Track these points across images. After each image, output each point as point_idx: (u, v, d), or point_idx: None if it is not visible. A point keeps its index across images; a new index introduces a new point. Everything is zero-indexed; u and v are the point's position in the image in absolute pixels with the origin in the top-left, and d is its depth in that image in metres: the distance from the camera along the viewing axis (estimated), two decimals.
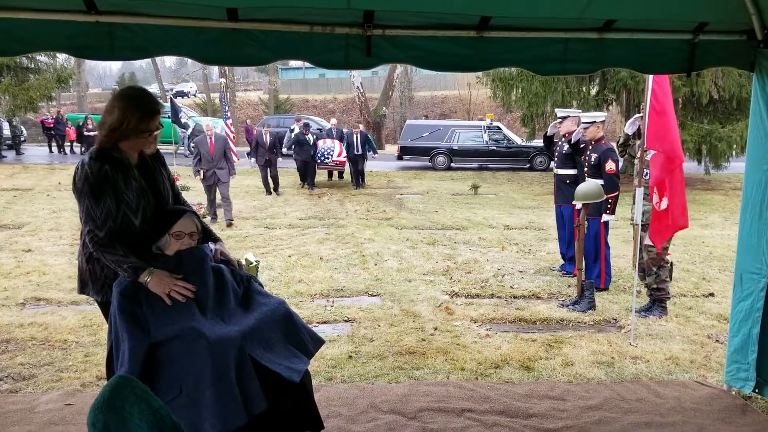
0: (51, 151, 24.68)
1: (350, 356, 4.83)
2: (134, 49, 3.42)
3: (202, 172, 11.10)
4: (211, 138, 11.05)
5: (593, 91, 17.34)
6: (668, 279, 5.99)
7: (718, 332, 5.48)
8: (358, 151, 16.28)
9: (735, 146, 14.97)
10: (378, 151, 19.15)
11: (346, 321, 5.76)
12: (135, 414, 2.02)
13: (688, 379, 4.50)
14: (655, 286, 5.93)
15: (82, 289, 3.19)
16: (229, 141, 13.89)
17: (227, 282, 3.08)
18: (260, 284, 3.36)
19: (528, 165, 20.89)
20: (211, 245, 3.22)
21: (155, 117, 2.98)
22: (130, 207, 2.94)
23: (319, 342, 3.21)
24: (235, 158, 18.78)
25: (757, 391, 4.02)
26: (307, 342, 3.14)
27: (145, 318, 2.82)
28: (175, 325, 2.79)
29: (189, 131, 21.63)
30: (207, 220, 10.81)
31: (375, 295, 6.66)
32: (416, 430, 3.63)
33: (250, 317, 3.01)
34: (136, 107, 2.90)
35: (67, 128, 24.12)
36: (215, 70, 45.55)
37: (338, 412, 3.84)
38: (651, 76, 4.98)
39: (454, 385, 4.29)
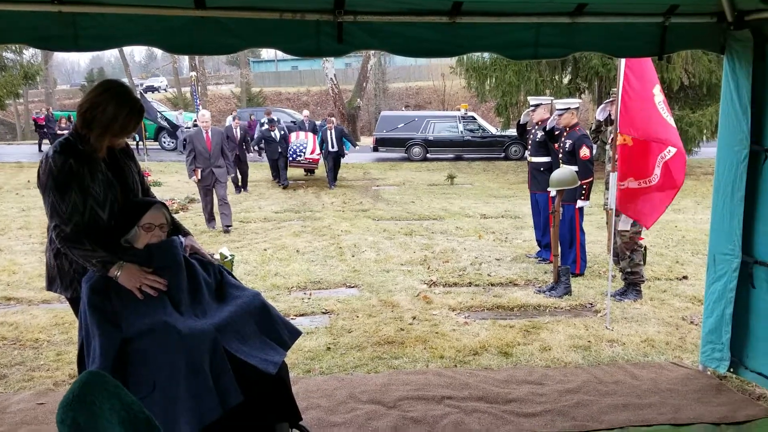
0: (40, 150, 23.71)
1: (328, 348, 4.80)
2: (99, 39, 3.33)
3: (198, 171, 9.52)
4: (207, 132, 9.56)
5: (566, 80, 17.44)
6: (642, 263, 6.05)
7: (692, 314, 5.54)
8: (333, 147, 14.89)
9: (705, 131, 15.17)
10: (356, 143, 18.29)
11: (323, 313, 5.72)
12: (106, 410, 1.96)
13: (664, 360, 4.54)
14: (629, 270, 5.98)
15: (50, 285, 3.12)
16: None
17: (199, 275, 3.02)
18: (233, 277, 3.31)
19: (503, 154, 20.98)
20: (181, 238, 3.16)
21: (141, 115, 2.92)
22: (97, 201, 2.86)
23: (295, 333, 3.18)
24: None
25: (731, 370, 4.07)
26: (283, 333, 3.11)
27: (116, 313, 2.75)
28: (146, 319, 2.73)
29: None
30: (203, 227, 9.91)
31: (353, 287, 6.63)
32: (396, 419, 3.61)
33: (224, 310, 2.97)
34: (126, 104, 2.82)
35: (56, 126, 23.29)
36: (185, 64, 45.02)
37: (317, 403, 3.81)
38: (623, 61, 5.00)
39: (434, 373, 4.28)
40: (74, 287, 3.01)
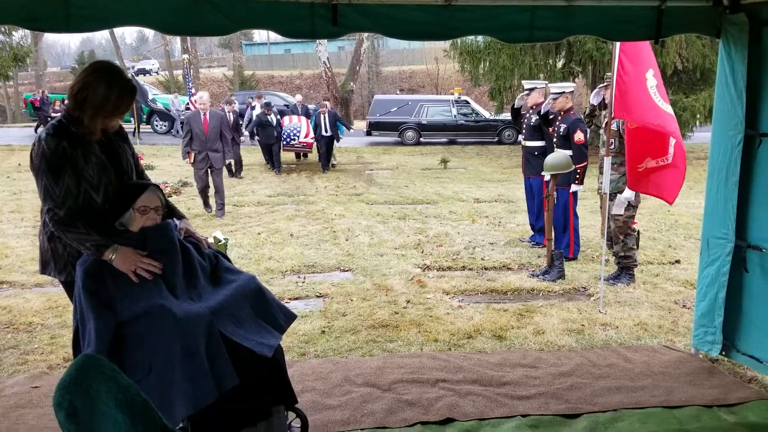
0: (36, 132, 23.41)
1: (323, 331, 4.81)
2: (91, 19, 3.28)
3: (192, 154, 9.33)
4: (205, 114, 9.30)
5: (560, 64, 17.38)
6: (635, 247, 6.08)
7: (684, 298, 5.58)
8: (326, 131, 14.82)
9: (699, 116, 15.18)
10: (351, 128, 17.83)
11: (318, 296, 5.73)
12: (103, 393, 1.96)
13: (657, 344, 4.58)
14: (622, 254, 6.01)
15: (44, 269, 3.10)
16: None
17: (194, 258, 3.01)
18: (228, 260, 3.30)
19: (496, 138, 20.94)
20: (176, 221, 3.15)
21: (133, 95, 2.89)
22: (91, 184, 2.84)
23: (291, 317, 3.18)
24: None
25: (723, 353, 4.11)
26: (278, 317, 3.10)
27: (110, 296, 2.74)
28: (142, 302, 2.72)
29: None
30: (196, 211, 9.78)
31: (347, 270, 6.63)
32: (391, 402, 3.63)
33: (219, 293, 2.96)
34: (117, 83, 2.79)
35: (50, 108, 22.85)
36: (177, 47, 44.63)
37: (312, 386, 3.82)
38: (618, 45, 4.98)
39: (428, 356, 4.30)
40: (68, 271, 2.99)
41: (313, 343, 4.58)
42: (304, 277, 6.39)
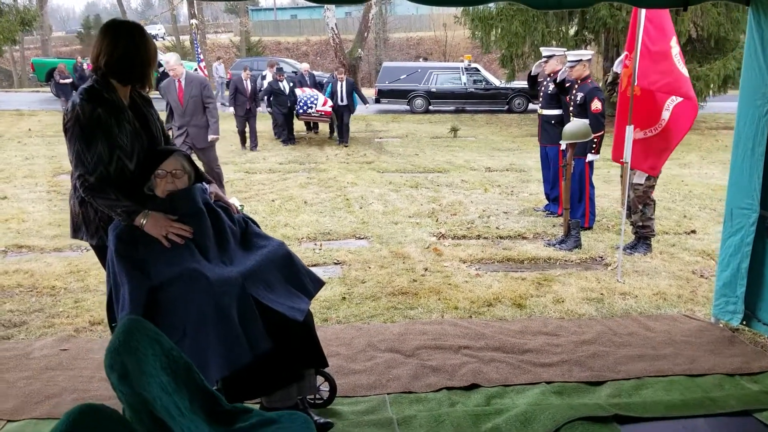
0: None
1: (344, 297, 4.85)
2: None
3: (172, 131, 7.68)
4: (179, 81, 7.62)
5: (572, 31, 17.16)
6: (653, 217, 6.07)
7: (702, 268, 5.59)
8: (342, 101, 13.93)
9: (713, 85, 15.00)
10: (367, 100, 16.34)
11: (335, 264, 5.76)
12: (149, 356, 2.00)
13: (677, 313, 4.60)
14: (640, 223, 6.00)
15: (75, 233, 3.11)
16: (209, 85, 12.86)
17: (225, 223, 3.02)
18: (258, 226, 3.32)
19: (506, 107, 20.77)
20: (205, 185, 3.15)
21: (156, 52, 2.88)
22: (124, 151, 2.84)
23: (319, 283, 3.20)
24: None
25: (744, 323, 4.13)
26: (307, 283, 3.13)
27: (143, 261, 2.76)
28: (174, 267, 2.74)
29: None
30: None
31: (362, 238, 6.65)
32: (416, 368, 3.67)
33: (250, 258, 2.98)
34: (148, 40, 2.79)
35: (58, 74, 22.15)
36: (183, 12, 44.16)
37: (337, 351, 3.86)
38: (643, 13, 4.91)
39: (449, 323, 4.33)
40: (99, 235, 3.01)
41: (334, 309, 4.62)
42: (321, 245, 6.41)
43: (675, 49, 5.04)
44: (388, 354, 3.86)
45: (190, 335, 2.67)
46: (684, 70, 4.97)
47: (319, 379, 3.25)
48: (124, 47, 2.76)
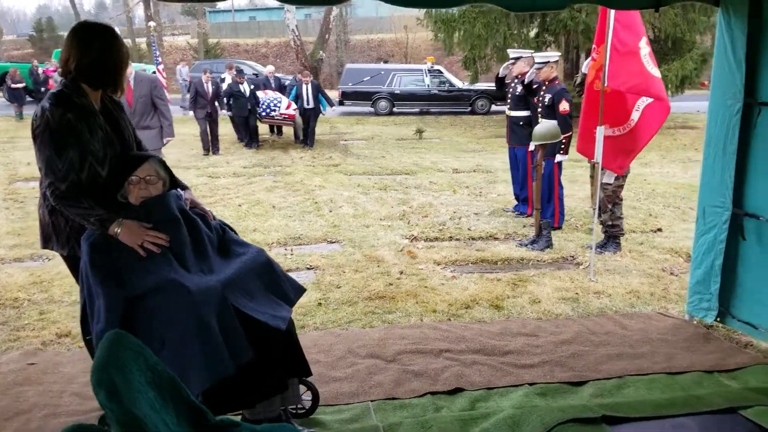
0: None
1: (319, 303, 4.77)
2: None
3: None
4: (128, 81, 6.77)
5: (533, 33, 17.35)
6: (622, 216, 6.14)
7: (671, 265, 5.67)
8: (308, 104, 13.68)
9: (671, 86, 15.32)
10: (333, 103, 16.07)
11: (308, 269, 5.68)
12: (135, 371, 1.90)
13: (651, 311, 4.65)
14: (610, 222, 6.07)
15: (46, 243, 2.98)
16: (161, 85, 12.54)
17: (202, 230, 2.94)
18: (235, 232, 3.24)
19: (470, 108, 20.90)
20: (180, 192, 3.05)
21: (127, 55, 2.78)
22: (96, 158, 2.73)
23: (299, 290, 3.14)
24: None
25: (718, 320, 4.19)
26: (287, 290, 3.07)
27: (119, 271, 2.65)
28: (152, 277, 2.65)
29: None
30: None
31: (334, 242, 6.58)
32: (398, 373, 3.62)
33: (230, 266, 2.90)
34: (120, 42, 2.69)
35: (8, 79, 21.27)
36: (139, 13, 43.32)
37: (316, 359, 3.79)
38: (613, 14, 4.96)
39: (429, 326, 4.30)
40: (71, 245, 2.90)
41: (311, 315, 4.54)
42: (291, 249, 6.32)
43: (644, 49, 5.10)
44: (369, 360, 3.81)
45: (169, 348, 2.58)
46: (654, 71, 5.03)
47: (301, 387, 3.18)
48: (96, 51, 2.66)
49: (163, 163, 2.94)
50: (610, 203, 5.96)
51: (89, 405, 3.24)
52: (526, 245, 6.27)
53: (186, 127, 16.40)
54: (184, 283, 2.62)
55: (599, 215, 6.08)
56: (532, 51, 7.93)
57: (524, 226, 7.05)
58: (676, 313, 4.55)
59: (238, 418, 2.88)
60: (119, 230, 2.65)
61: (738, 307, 4.07)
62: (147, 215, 2.75)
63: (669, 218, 7.53)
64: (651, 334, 4.17)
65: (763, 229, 3.84)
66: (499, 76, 7.78)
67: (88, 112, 2.70)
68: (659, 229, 7.01)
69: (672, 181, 10.01)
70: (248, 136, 13.97)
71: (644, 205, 8.29)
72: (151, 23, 19.44)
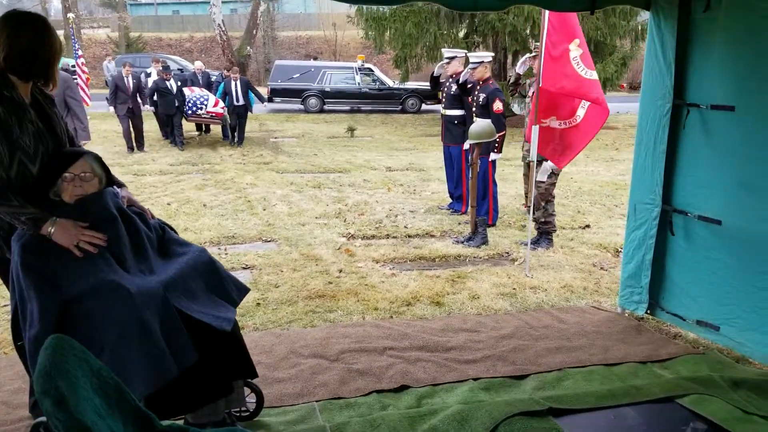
0: None
1: (258, 303, 4.68)
2: None
3: None
4: None
5: (462, 34, 17.59)
6: (554, 213, 6.31)
7: (601, 260, 5.86)
8: (238, 101, 13.30)
9: None
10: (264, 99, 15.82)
11: (244, 268, 5.55)
12: (80, 377, 1.80)
13: (585, 304, 4.79)
14: (543, 219, 6.22)
15: None
16: (74, 82, 11.98)
17: (141, 230, 2.82)
18: (174, 231, 3.13)
19: (400, 107, 21.01)
20: (117, 190, 2.92)
21: (57, 41, 2.62)
22: (27, 154, 2.57)
23: (243, 290, 3.08)
24: (87, 102, 17.21)
25: (649, 312, 4.35)
26: (231, 290, 3.00)
27: (53, 273, 2.51)
28: (89, 278, 2.51)
29: None
30: None
31: (270, 241, 6.47)
32: (342, 372, 3.59)
33: (171, 266, 2.80)
34: (53, 32, 2.53)
35: None
36: (56, 4, 41.38)
37: (258, 360, 3.70)
38: (546, 16, 5.08)
39: (371, 324, 4.28)
40: (0, 246, 2.72)
41: (249, 315, 4.44)
42: (225, 249, 6.17)
43: (575, 52, 5.24)
44: (312, 360, 3.76)
45: (109, 351, 2.45)
46: (587, 74, 5.15)
47: (245, 390, 3.10)
48: (26, 41, 2.50)
49: (98, 160, 2.80)
50: (543, 200, 6.10)
51: (18, 414, 3.06)
52: (463, 242, 6.35)
53: (107, 124, 15.81)
54: (124, 284, 2.51)
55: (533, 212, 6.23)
56: (466, 51, 8.03)
57: (459, 224, 7.14)
58: (608, 307, 4.71)
59: (181, 422, 2.79)
60: (53, 230, 2.50)
61: (667, 299, 4.25)
62: (82, 214, 2.62)
63: (596, 215, 7.79)
64: (586, 327, 4.30)
65: (690, 224, 4.01)
66: (434, 75, 7.84)
67: (18, 105, 2.54)
68: (587, 226, 7.24)
69: (597, 179, 10.37)
70: (174, 135, 13.43)
71: (572, 202, 8.55)
72: (71, 15, 18.53)
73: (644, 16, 16.20)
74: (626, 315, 4.51)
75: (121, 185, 2.98)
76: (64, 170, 2.65)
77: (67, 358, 1.77)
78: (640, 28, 16.43)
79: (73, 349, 1.87)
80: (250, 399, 3.15)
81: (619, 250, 6.07)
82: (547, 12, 5.04)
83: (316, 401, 3.31)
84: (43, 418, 2.68)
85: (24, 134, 2.55)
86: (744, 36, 3.57)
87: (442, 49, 8.26)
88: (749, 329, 3.70)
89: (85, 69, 15.90)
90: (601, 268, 5.66)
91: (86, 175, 2.67)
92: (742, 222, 3.66)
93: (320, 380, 3.51)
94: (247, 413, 3.14)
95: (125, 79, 12.40)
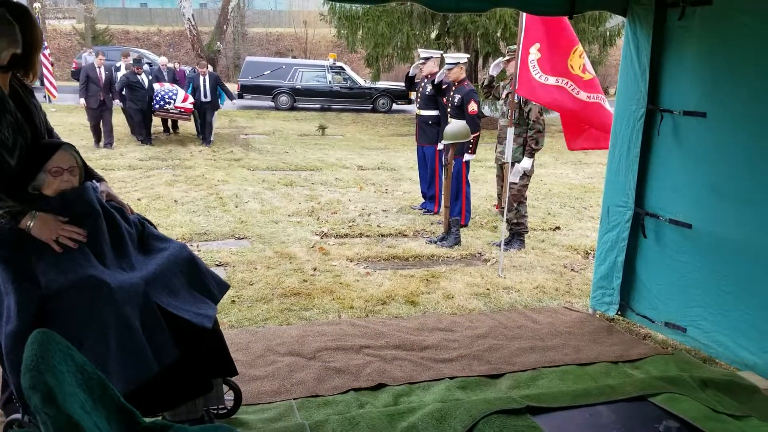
0: None
1: (233, 301, 4.65)
2: None
3: None
4: None
5: (434, 35, 17.69)
6: (527, 214, 6.39)
7: (572, 262, 5.96)
8: (206, 97, 12.82)
9: None
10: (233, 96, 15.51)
11: (218, 265, 5.51)
12: (65, 372, 1.77)
13: (557, 305, 4.87)
14: (515, 221, 6.30)
15: None
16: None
17: (121, 225, 2.78)
18: (154, 227, 3.09)
19: (371, 106, 21.01)
20: (96, 184, 2.88)
21: (36, 26, 2.57)
22: (5, 146, 2.50)
23: (224, 286, 3.06)
24: (54, 94, 16.86)
25: (619, 313, 4.45)
26: (212, 287, 2.97)
27: (32, 268, 2.46)
28: (69, 274, 2.47)
29: None
30: None
31: (243, 238, 6.43)
32: (319, 370, 3.59)
33: (151, 262, 2.77)
34: (33, 21, 2.47)
35: None
36: None
37: (234, 357, 3.59)
38: (525, 19, 5.13)
39: (347, 323, 4.29)
40: None
41: (225, 313, 4.41)
42: (198, 246, 6.11)
43: (533, 55, 5.26)
44: (288, 357, 3.75)
45: (88, 348, 2.41)
46: (545, 79, 5.14)
47: (224, 387, 3.09)
48: (4, 30, 2.45)
49: (77, 152, 2.76)
50: (515, 201, 6.18)
51: None
52: (436, 242, 6.39)
53: (74, 117, 15.50)
54: (105, 280, 2.48)
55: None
56: (442, 52, 8.08)
57: (432, 224, 7.18)
58: (580, 307, 4.79)
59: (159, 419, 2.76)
60: (32, 224, 2.46)
61: (637, 301, 4.34)
62: (63, 208, 2.57)
63: (566, 217, 7.91)
64: (559, 327, 4.37)
65: (661, 228, 4.11)
66: (410, 75, 7.88)
67: None
68: (558, 228, 7.36)
69: (566, 182, 10.52)
70: (144, 131, 12.95)
71: (543, 204, 8.67)
72: (36, 4, 18.10)
73: (612, 22, 16.49)
74: (597, 316, 4.60)
75: (100, 179, 2.94)
76: (42, 163, 2.60)
77: (53, 353, 1.74)
78: (608, 34, 16.71)
79: (58, 344, 1.84)
80: (228, 397, 3.13)
81: (589, 252, 6.18)
82: (524, 15, 5.10)
83: (294, 399, 3.31)
84: (17, 415, 2.63)
85: (2, 126, 2.49)
86: (716, 45, 3.68)
87: (419, 50, 8.30)
88: (714, 331, 3.81)
89: (51, 60, 15.59)
90: (572, 270, 5.75)
91: (74, 169, 2.64)
92: (712, 226, 3.76)
93: (297, 378, 3.51)
94: (225, 411, 3.12)
95: (97, 70, 11.88)
